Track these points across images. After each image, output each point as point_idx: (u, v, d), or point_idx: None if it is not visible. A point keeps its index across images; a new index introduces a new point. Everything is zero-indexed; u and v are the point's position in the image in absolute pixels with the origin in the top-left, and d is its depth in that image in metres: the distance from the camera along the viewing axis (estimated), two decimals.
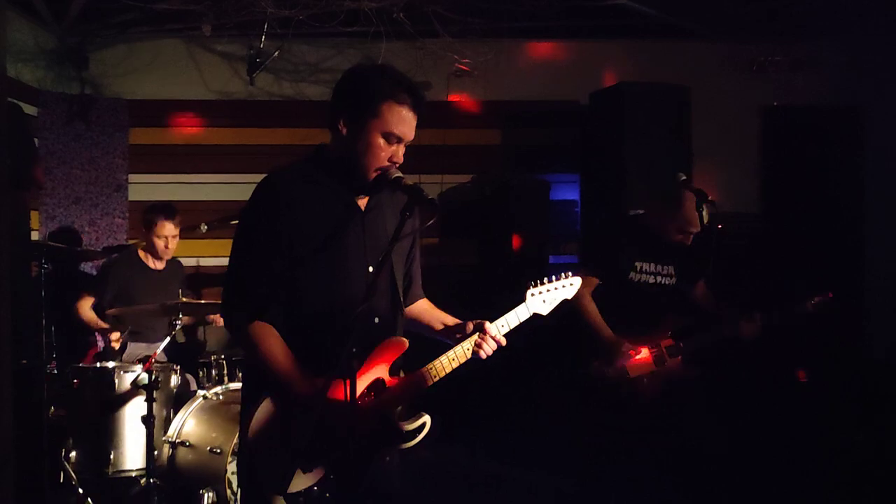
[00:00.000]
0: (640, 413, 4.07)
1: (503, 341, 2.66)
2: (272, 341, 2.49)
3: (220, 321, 5.08)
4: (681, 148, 6.00)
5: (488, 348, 2.64)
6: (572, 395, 4.28)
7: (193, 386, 4.91)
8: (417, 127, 2.56)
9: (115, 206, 6.45)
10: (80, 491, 4.35)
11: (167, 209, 5.37)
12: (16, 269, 4.44)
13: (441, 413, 2.67)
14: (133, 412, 4.39)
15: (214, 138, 6.65)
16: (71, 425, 4.47)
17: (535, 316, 2.75)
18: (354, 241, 2.58)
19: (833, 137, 6.29)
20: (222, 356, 4.78)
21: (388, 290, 2.65)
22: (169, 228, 5.33)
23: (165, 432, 4.42)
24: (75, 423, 4.47)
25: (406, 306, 2.78)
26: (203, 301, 5.13)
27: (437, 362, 2.61)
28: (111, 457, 4.36)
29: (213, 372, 4.75)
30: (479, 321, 2.67)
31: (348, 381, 2.31)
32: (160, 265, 5.45)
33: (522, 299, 2.72)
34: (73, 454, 4.39)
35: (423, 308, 2.85)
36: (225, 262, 2.59)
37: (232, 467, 4.08)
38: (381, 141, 2.51)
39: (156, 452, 4.30)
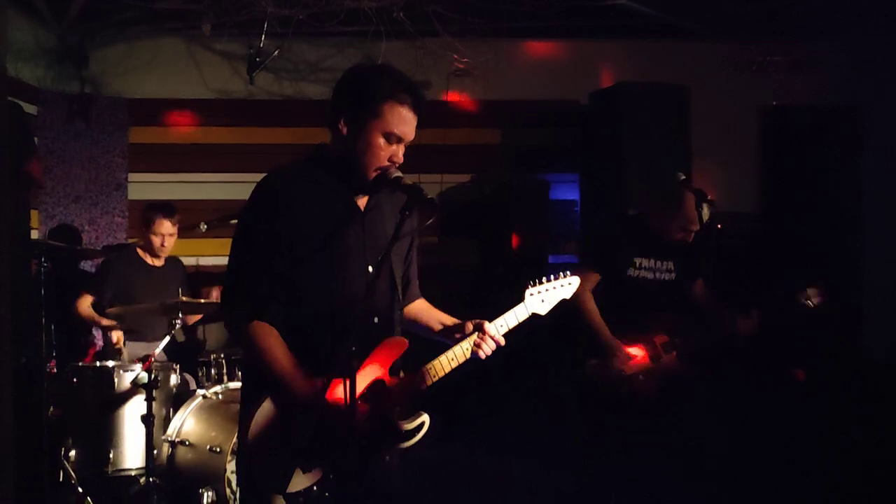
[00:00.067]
0: (640, 412, 4.08)
1: (502, 341, 2.66)
2: (272, 341, 2.49)
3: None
4: (680, 148, 6.00)
5: (487, 348, 2.64)
6: (571, 395, 4.29)
7: (193, 385, 4.91)
8: (417, 126, 2.56)
9: (114, 204, 6.45)
10: (80, 490, 4.35)
11: (166, 208, 5.37)
12: (16, 268, 4.44)
13: (440, 412, 2.66)
14: (132, 411, 4.40)
15: (214, 137, 6.64)
16: (70, 424, 4.47)
17: (534, 316, 2.74)
18: (354, 241, 2.58)
19: (832, 137, 6.28)
20: (222, 355, 4.78)
21: (388, 289, 2.65)
22: (167, 227, 5.33)
23: (165, 431, 4.43)
24: (75, 422, 4.48)
25: (404, 306, 2.78)
26: (203, 300, 5.13)
27: (436, 362, 2.61)
28: (111, 456, 4.38)
29: (213, 371, 4.76)
30: (478, 321, 2.66)
31: (348, 381, 2.31)
32: (159, 262, 5.45)
33: (521, 299, 2.72)
34: (72, 453, 4.39)
35: (421, 308, 2.85)
36: (224, 261, 2.59)
37: (231, 466, 4.08)
38: (382, 141, 2.51)
39: (155, 451, 4.30)
